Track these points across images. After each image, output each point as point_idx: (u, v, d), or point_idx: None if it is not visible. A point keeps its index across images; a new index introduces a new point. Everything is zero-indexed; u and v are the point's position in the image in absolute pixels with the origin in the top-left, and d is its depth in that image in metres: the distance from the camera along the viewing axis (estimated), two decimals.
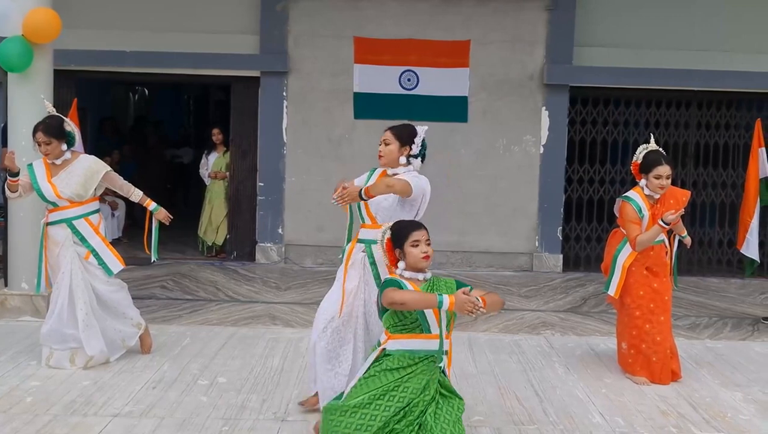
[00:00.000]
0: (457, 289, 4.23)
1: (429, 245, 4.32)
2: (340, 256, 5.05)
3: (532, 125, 10.19)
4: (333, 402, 4.38)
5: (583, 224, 10.55)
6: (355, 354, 4.87)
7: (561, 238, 10.28)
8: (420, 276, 4.34)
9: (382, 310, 4.33)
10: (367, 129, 10.00)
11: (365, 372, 4.35)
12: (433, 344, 4.29)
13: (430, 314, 4.26)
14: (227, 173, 10.53)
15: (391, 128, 5.02)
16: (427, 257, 4.28)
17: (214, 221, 10.53)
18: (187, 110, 19.66)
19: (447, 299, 4.01)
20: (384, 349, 4.31)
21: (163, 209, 6.07)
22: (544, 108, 10.15)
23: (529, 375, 5.94)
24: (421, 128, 5.02)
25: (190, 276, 9.25)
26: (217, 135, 10.72)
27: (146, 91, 17.96)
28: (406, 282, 4.27)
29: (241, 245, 10.27)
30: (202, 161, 10.90)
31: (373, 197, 4.76)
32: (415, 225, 4.34)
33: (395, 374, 4.26)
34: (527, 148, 10.22)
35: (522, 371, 6.03)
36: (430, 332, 4.27)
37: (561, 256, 10.25)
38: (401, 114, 10.06)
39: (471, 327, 7.29)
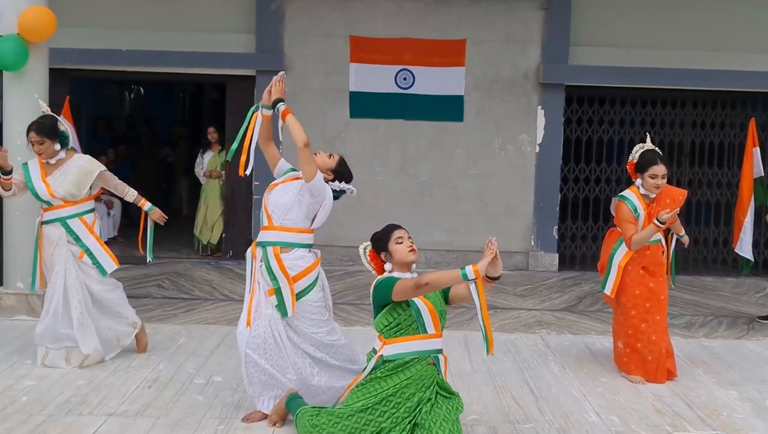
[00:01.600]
0: (443, 289, 4.34)
1: (413, 242, 4.39)
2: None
3: (528, 124, 10.19)
4: (319, 408, 4.38)
5: (579, 223, 10.56)
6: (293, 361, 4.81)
7: (557, 237, 10.28)
8: (408, 274, 4.35)
9: (378, 308, 4.34)
10: (362, 128, 10.00)
11: (363, 379, 4.34)
12: (431, 344, 4.31)
13: (426, 313, 4.27)
14: (222, 172, 10.52)
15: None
16: (413, 250, 4.35)
17: (209, 220, 10.51)
18: (181, 108, 19.63)
19: (470, 268, 4.04)
20: (381, 356, 4.30)
21: (157, 209, 6.07)
22: (539, 107, 10.15)
23: (524, 373, 5.95)
24: (349, 188, 5.01)
25: (185, 275, 9.24)
26: (212, 134, 10.70)
27: (141, 90, 17.92)
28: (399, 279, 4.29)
29: (236, 244, 10.25)
30: (198, 160, 10.89)
31: (284, 118, 4.71)
32: (394, 226, 4.42)
33: (395, 379, 4.25)
34: (523, 147, 10.23)
35: (518, 370, 6.04)
36: (426, 332, 4.28)
37: (557, 255, 10.25)
38: (397, 113, 10.11)
39: (466, 325, 7.29)
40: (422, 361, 4.28)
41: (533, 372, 5.98)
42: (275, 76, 4.89)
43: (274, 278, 4.74)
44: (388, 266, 4.40)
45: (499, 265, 4.16)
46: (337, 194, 4.95)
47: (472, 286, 4.13)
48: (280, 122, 4.84)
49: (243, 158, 4.86)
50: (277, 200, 4.83)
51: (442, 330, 4.37)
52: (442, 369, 4.39)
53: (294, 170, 5.02)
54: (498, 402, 5.32)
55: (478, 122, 10.20)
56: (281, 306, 4.74)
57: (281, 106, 4.79)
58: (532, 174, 10.21)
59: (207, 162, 10.68)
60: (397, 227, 4.43)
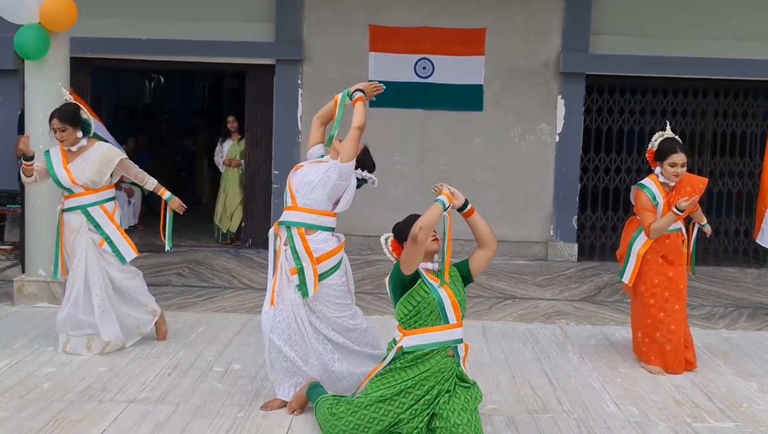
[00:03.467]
0: (461, 274, 4.39)
1: (434, 230, 4.34)
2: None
3: (548, 114, 10.15)
4: (338, 396, 4.39)
5: (599, 213, 10.50)
6: (314, 346, 4.83)
7: (576, 227, 10.24)
8: (429, 265, 4.34)
9: (395, 296, 4.32)
10: (381, 118, 9.97)
11: (383, 369, 4.34)
12: (451, 334, 4.29)
13: (448, 302, 4.24)
14: (242, 161, 10.55)
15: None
16: (436, 239, 4.33)
17: (228, 208, 10.56)
18: (201, 97, 19.70)
19: (444, 198, 4.28)
20: (401, 347, 4.29)
21: (177, 199, 6.09)
22: (559, 96, 10.10)
23: (543, 363, 5.94)
24: (371, 177, 5.06)
25: (205, 264, 9.28)
26: (231, 123, 10.73)
27: (161, 79, 18.00)
28: (419, 269, 4.29)
29: (255, 232, 10.29)
30: (217, 148, 10.94)
31: (354, 103, 4.91)
32: (416, 216, 4.37)
33: (414, 370, 4.24)
34: (542, 137, 10.18)
35: (536, 360, 6.03)
36: (447, 322, 4.27)
37: (576, 245, 10.21)
38: (416, 102, 10.08)
39: (485, 315, 7.29)
40: (442, 352, 4.28)
41: (552, 362, 5.97)
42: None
43: (297, 257, 4.74)
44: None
45: (458, 194, 4.39)
46: (359, 183, 4.96)
47: (444, 216, 4.26)
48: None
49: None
50: (302, 178, 4.82)
51: (462, 319, 4.35)
52: (461, 359, 4.38)
53: (324, 156, 5.01)
54: (516, 391, 5.32)
55: (498, 112, 10.16)
56: (303, 286, 4.74)
57: (357, 94, 4.96)
58: (552, 164, 10.17)
59: (226, 151, 10.72)
60: (419, 216, 4.40)
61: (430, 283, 4.28)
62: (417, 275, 4.29)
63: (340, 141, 4.91)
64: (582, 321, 7.26)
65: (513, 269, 9.57)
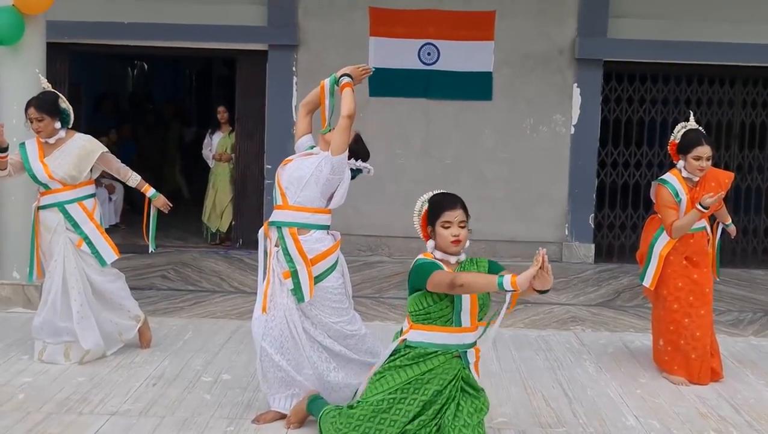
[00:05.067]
0: (490, 270, 4.26)
1: (463, 227, 4.26)
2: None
3: (562, 103, 10.15)
4: (339, 407, 4.38)
5: (618, 211, 10.50)
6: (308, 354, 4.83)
7: (593, 226, 10.25)
8: (452, 259, 4.31)
9: (412, 291, 4.27)
10: (382, 107, 9.99)
11: (382, 366, 4.33)
12: (462, 338, 4.27)
13: (467, 304, 4.21)
14: (232, 155, 10.55)
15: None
16: (457, 242, 4.23)
17: (218, 206, 10.57)
18: (189, 86, 19.70)
19: (508, 279, 3.85)
20: (405, 340, 4.30)
21: (161, 196, 6.10)
22: (575, 85, 10.10)
23: (557, 373, 5.94)
24: (366, 166, 5.05)
25: (192, 265, 9.29)
26: (222, 114, 10.73)
27: (145, 66, 17.99)
28: (441, 265, 4.23)
29: (247, 232, 10.29)
30: (206, 141, 10.92)
31: (342, 89, 4.88)
32: (450, 203, 4.27)
33: (414, 370, 4.24)
34: (556, 128, 10.18)
35: (549, 369, 6.04)
36: (460, 325, 4.24)
37: (593, 246, 10.22)
38: (420, 91, 10.08)
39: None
40: (447, 354, 4.26)
41: (566, 372, 5.97)
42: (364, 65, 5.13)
43: (290, 260, 4.74)
44: (430, 243, 4.32)
45: (548, 278, 3.85)
46: (354, 174, 4.95)
47: (507, 296, 3.98)
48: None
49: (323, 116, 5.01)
50: (292, 174, 4.82)
51: (478, 322, 4.32)
52: (471, 364, 4.35)
53: (314, 147, 5.02)
54: (528, 403, 5.32)
55: (508, 101, 10.16)
56: (297, 290, 4.74)
57: (345, 79, 4.95)
58: (567, 158, 10.18)
59: (216, 144, 10.72)
60: (453, 205, 4.26)
61: None
62: None
63: (331, 131, 4.90)
64: (599, 328, 7.26)
65: (524, 271, 9.53)
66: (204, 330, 6.75)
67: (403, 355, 4.28)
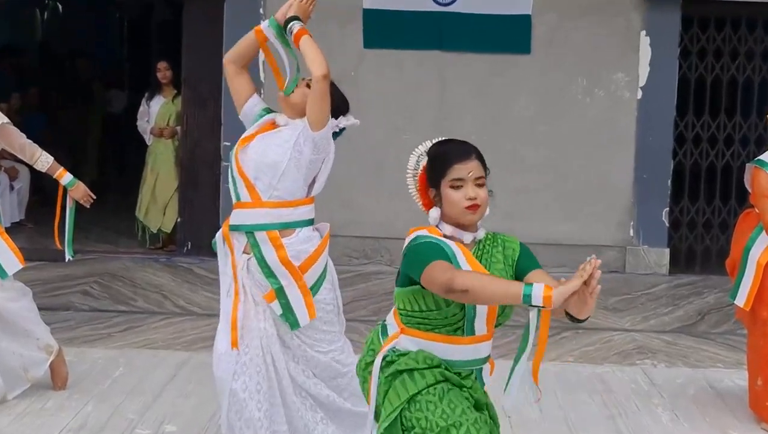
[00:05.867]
0: (520, 262, 3.88)
1: (482, 185, 3.86)
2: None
3: (626, 59, 10.16)
4: None
5: (701, 203, 10.50)
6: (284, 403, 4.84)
7: (668, 224, 10.26)
8: (467, 236, 3.90)
9: (404, 280, 3.95)
10: (381, 63, 9.99)
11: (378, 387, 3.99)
12: (474, 352, 3.89)
13: (482, 310, 3.77)
14: (177, 128, 10.55)
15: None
16: (474, 208, 3.80)
17: (159, 197, 10.56)
18: (119, 36, 19.71)
19: (539, 291, 3.39)
20: (394, 349, 3.89)
21: (81, 184, 6.08)
22: (643, 33, 10.11)
23: (618, 422, 5.97)
24: (352, 122, 5.04)
25: (123, 278, 9.31)
26: (163, 72, 10.70)
27: (60, 9, 18.00)
28: (452, 246, 3.82)
29: (197, 232, 10.30)
30: (142, 109, 10.90)
31: (298, 41, 4.80)
32: (459, 152, 3.90)
33: (432, 374, 3.89)
34: (618, 92, 10.19)
35: (608, 417, 6.06)
36: (473, 333, 3.95)
37: (667, 250, 10.24)
38: (431, 41, 10.07)
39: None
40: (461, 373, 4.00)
41: (632, 421, 5.99)
42: None
43: (270, 274, 4.73)
44: (434, 213, 3.90)
45: (589, 303, 3.42)
46: (335, 136, 4.94)
47: (533, 314, 3.59)
48: (263, 59, 4.87)
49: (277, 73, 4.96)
50: (261, 160, 4.78)
51: (496, 327, 4.04)
52: (486, 381, 4.10)
53: (270, 111, 4.98)
54: None
55: (553, 55, 10.17)
56: (288, 313, 4.73)
57: (295, 26, 4.82)
58: (632, 132, 10.19)
59: (156, 113, 10.70)
60: (464, 155, 3.89)
61: None
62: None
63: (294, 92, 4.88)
64: (676, 362, 7.28)
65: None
66: (139, 364, 6.76)
67: (387, 368, 3.88)
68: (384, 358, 3.85)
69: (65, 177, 6.05)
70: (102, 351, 7.07)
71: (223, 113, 10.26)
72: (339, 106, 4.94)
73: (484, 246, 3.92)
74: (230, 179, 4.89)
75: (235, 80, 5.07)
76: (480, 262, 3.81)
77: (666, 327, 8.28)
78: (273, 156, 4.75)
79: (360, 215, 9.81)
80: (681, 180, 10.49)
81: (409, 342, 3.85)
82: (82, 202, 6.11)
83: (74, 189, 6.06)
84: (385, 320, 3.99)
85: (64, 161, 6.24)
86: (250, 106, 5.01)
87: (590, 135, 10.22)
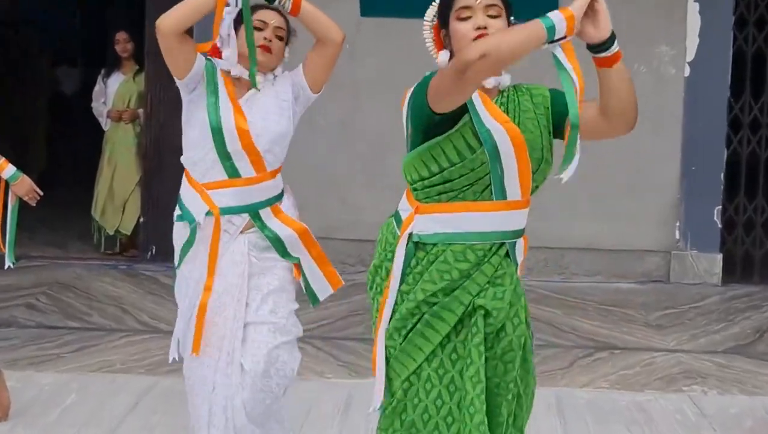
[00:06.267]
0: (554, 101, 4.11)
1: (497, 16, 3.82)
2: (188, 239, 5.19)
3: (671, 29, 10.18)
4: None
5: (759, 201, 10.51)
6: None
7: (720, 226, 10.26)
8: (491, 82, 3.88)
9: (414, 141, 3.88)
10: (379, 35, 9.99)
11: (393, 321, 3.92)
12: (507, 220, 3.94)
13: (512, 165, 3.86)
14: (139, 111, 10.55)
15: None
16: (483, 36, 3.72)
17: (117, 193, 10.57)
18: (72, 2, 19.76)
19: (558, 15, 3.60)
20: (411, 235, 3.86)
21: (26, 178, 6.08)
22: None
23: None
24: None
25: (76, 288, 9.32)
26: (123, 44, 10.73)
27: None
28: None
29: (163, 234, 10.24)
30: (97, 88, 10.93)
31: (297, 11, 4.83)
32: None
33: (444, 326, 3.85)
34: (662, 68, 10.21)
35: None
36: (504, 197, 3.90)
37: (720, 256, 10.24)
38: None
39: (562, 377, 7.30)
40: (494, 255, 3.89)
41: None
42: None
43: (285, 252, 4.94)
44: (443, 55, 3.88)
45: (602, 19, 3.77)
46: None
47: (558, 51, 3.81)
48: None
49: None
50: (275, 129, 4.94)
51: (532, 194, 4.04)
52: (519, 265, 4.04)
53: (205, 55, 5.04)
54: None
55: None
56: (310, 290, 5.08)
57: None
58: (679, 115, 10.21)
59: (114, 93, 10.71)
60: None
61: (488, 127, 3.78)
62: (462, 111, 3.77)
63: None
64: (730, 388, 7.28)
65: (611, 297, 9.59)
66: (95, 390, 6.76)
67: (412, 269, 3.87)
68: (409, 237, 3.84)
69: (7, 170, 6.04)
70: (51, 375, 7.07)
71: None
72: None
73: (508, 95, 3.96)
74: (217, 156, 5.07)
75: (181, 50, 4.99)
76: (506, 112, 3.85)
77: (718, 347, 8.28)
78: (278, 128, 4.97)
79: (357, 214, 9.76)
80: (736, 173, 10.51)
81: (428, 220, 3.84)
82: (26, 199, 6.10)
83: (17, 184, 6.06)
84: (396, 211, 4.00)
85: (5, 151, 6.23)
86: (198, 66, 5.08)
87: None
